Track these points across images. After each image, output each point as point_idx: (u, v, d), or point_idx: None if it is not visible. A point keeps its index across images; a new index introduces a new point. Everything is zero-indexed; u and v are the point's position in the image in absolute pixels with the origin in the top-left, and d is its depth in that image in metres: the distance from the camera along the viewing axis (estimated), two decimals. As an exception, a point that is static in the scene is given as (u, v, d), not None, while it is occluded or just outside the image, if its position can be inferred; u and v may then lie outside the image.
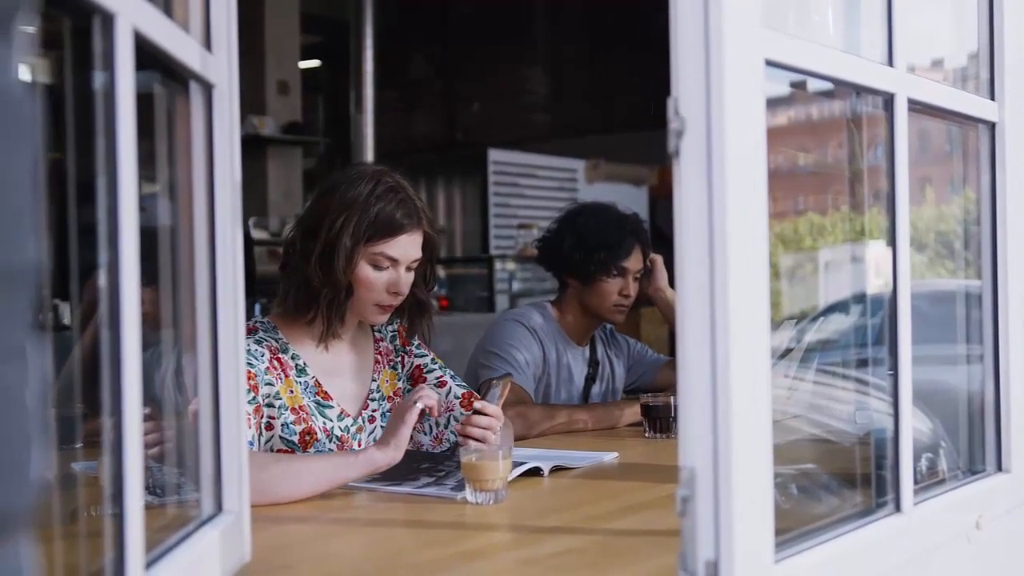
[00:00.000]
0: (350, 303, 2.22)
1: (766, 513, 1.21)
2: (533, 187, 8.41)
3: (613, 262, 2.99)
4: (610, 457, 2.35)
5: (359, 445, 2.25)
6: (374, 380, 2.35)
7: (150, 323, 1.20)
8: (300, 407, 2.18)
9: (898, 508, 1.52)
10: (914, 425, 1.58)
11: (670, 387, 2.98)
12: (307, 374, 2.22)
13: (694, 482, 1.17)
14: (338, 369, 2.29)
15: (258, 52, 7.15)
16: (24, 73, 0.58)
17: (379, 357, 2.38)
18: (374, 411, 2.32)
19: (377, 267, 2.19)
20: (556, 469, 2.18)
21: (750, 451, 1.19)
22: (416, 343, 2.44)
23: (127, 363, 1.01)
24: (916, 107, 1.57)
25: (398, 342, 2.42)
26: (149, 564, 1.09)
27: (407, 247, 2.21)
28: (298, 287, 2.20)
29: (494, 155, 8.29)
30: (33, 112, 0.57)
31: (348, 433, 2.25)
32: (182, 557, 1.19)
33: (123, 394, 1.01)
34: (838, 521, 1.45)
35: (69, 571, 1.11)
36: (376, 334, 2.40)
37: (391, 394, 2.36)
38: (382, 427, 2.30)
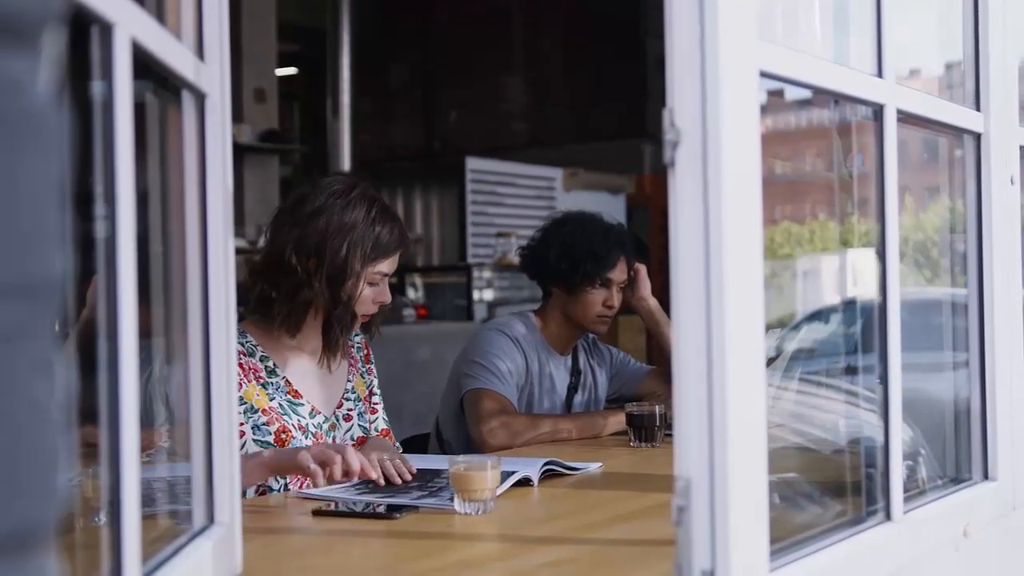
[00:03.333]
0: None
1: (761, 522, 1.22)
2: (511, 195, 8.41)
3: (598, 273, 2.99)
4: (595, 467, 2.35)
5: (334, 442, 2.32)
6: (349, 380, 2.42)
7: (139, 330, 1.19)
8: (270, 408, 2.23)
9: (888, 516, 1.52)
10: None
11: (653, 396, 2.99)
12: (277, 375, 2.27)
13: (690, 492, 1.17)
14: (312, 370, 2.34)
15: (235, 59, 7.12)
16: (50, 86, 0.57)
17: (353, 361, 2.45)
18: (349, 410, 2.40)
19: (371, 284, 2.28)
20: (547, 474, 2.18)
21: (746, 461, 1.19)
22: (372, 363, 2.53)
23: (124, 375, 1.00)
24: (903, 117, 1.58)
25: (362, 355, 2.50)
26: (144, 577, 1.08)
27: (396, 262, 2.33)
28: (302, 307, 2.25)
29: (472, 163, 8.29)
30: (60, 124, 0.57)
31: (321, 430, 2.31)
32: (176, 569, 1.18)
33: (120, 406, 1.00)
34: (831, 530, 1.45)
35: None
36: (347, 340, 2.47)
37: (364, 396, 2.45)
38: (360, 425, 2.40)
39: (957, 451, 1.90)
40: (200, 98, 1.35)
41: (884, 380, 1.54)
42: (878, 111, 1.53)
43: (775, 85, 1.41)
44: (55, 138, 0.56)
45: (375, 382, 2.52)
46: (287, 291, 2.23)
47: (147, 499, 1.44)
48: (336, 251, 2.21)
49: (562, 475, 2.24)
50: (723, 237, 1.16)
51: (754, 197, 1.21)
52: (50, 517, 0.56)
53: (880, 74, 1.52)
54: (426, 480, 2.13)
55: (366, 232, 2.24)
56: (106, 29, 1.00)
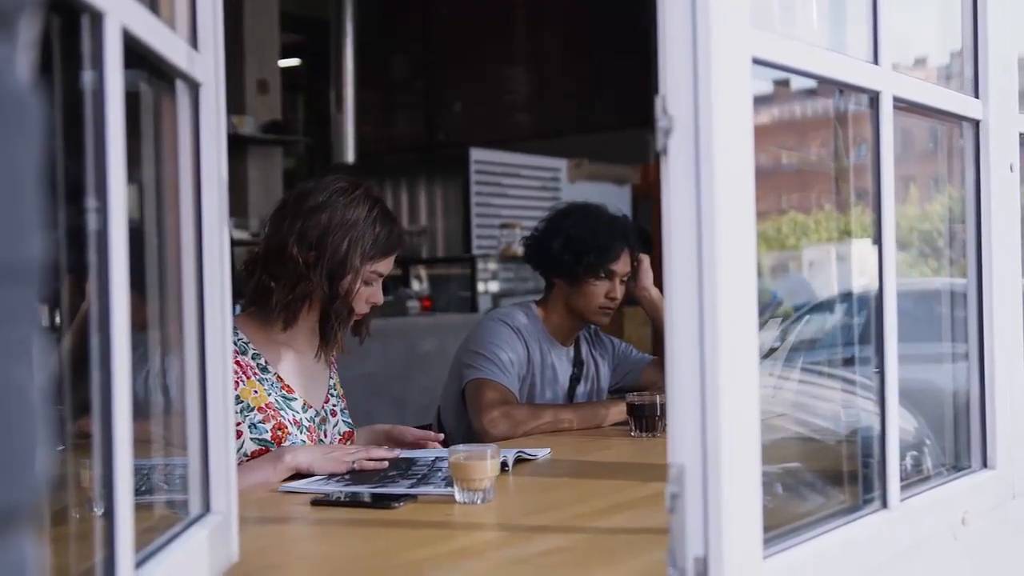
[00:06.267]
0: None
1: (755, 509, 1.22)
2: (516, 187, 8.41)
3: (601, 265, 2.99)
4: (543, 453, 2.37)
5: (324, 436, 2.37)
6: (332, 378, 2.46)
7: (134, 324, 1.20)
8: (267, 405, 2.26)
9: (885, 504, 1.52)
10: (899, 424, 1.59)
11: (655, 386, 2.99)
12: (269, 372, 2.30)
13: (683, 479, 1.17)
14: (300, 367, 2.37)
15: (238, 51, 7.13)
16: (28, 72, 0.58)
17: (332, 359, 2.48)
18: (334, 406, 2.44)
19: (367, 283, 2.32)
20: (518, 461, 2.22)
21: (739, 448, 1.19)
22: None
23: (116, 364, 1.01)
24: (901, 105, 1.58)
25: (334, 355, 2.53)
26: (139, 564, 1.09)
27: (391, 264, 2.37)
28: (300, 299, 2.27)
29: (476, 155, 8.28)
30: (37, 109, 0.57)
31: (314, 423, 2.34)
32: (171, 557, 1.19)
33: (112, 395, 1.00)
34: (826, 517, 1.45)
35: (58, 572, 1.11)
36: None
37: (342, 394, 2.49)
38: (344, 421, 2.44)
39: (956, 439, 1.90)
40: (194, 88, 1.35)
41: (880, 368, 1.53)
42: (874, 98, 1.52)
43: (782, 75, 1.41)
44: (33, 124, 0.57)
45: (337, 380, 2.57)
46: (286, 282, 2.25)
47: (149, 488, 1.45)
48: (337, 246, 2.25)
49: (562, 464, 2.25)
50: (715, 224, 1.16)
51: (747, 184, 1.21)
52: (29, 499, 0.56)
53: (876, 61, 1.52)
54: (405, 469, 2.13)
55: (367, 230, 2.27)
56: (96, 18, 1.00)
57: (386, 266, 2.34)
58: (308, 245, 2.25)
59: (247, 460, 2.18)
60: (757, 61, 1.25)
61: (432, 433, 2.50)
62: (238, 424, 2.19)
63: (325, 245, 2.25)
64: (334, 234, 2.25)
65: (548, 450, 2.41)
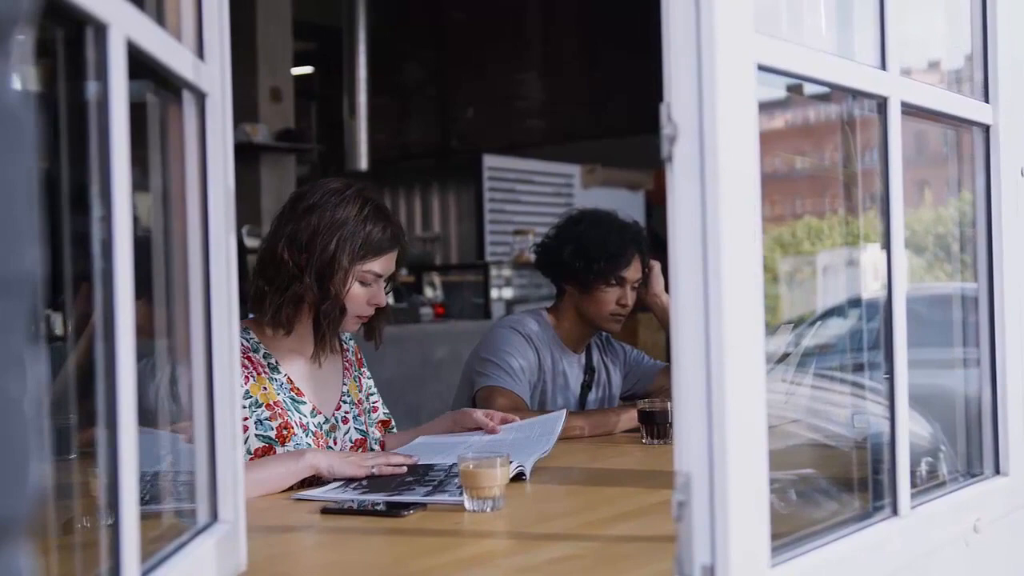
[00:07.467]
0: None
1: (762, 517, 1.21)
2: (529, 193, 8.41)
3: (612, 272, 2.98)
4: (558, 415, 2.43)
5: (334, 443, 2.36)
6: (345, 384, 2.45)
7: (143, 333, 1.20)
8: (275, 403, 2.26)
9: (895, 511, 1.51)
10: (913, 429, 1.58)
11: (666, 393, 2.98)
12: (280, 372, 2.31)
13: (690, 487, 1.17)
14: (311, 372, 2.37)
15: (250, 59, 7.13)
16: (21, 84, 0.58)
17: (347, 365, 2.48)
18: (346, 413, 2.43)
19: (363, 283, 2.31)
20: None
21: (745, 455, 1.18)
22: (364, 367, 2.57)
23: (122, 373, 1.01)
24: (909, 110, 1.57)
25: (355, 359, 2.53)
26: (145, 573, 1.09)
27: (390, 263, 2.35)
28: (292, 302, 2.27)
29: (489, 161, 8.29)
30: (31, 122, 0.57)
31: (322, 430, 2.34)
32: (178, 566, 1.19)
33: (118, 404, 1.01)
34: (835, 525, 1.45)
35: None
36: (342, 344, 2.50)
37: (357, 400, 2.47)
38: (356, 428, 2.43)
39: (969, 446, 1.89)
40: (200, 97, 1.35)
41: (890, 374, 1.53)
42: (882, 104, 1.52)
43: (794, 80, 1.41)
44: (27, 138, 0.57)
45: (370, 384, 2.55)
46: (279, 285, 2.26)
47: (156, 494, 1.45)
48: (325, 246, 2.25)
49: (572, 471, 2.24)
50: (720, 231, 1.15)
51: (752, 191, 1.21)
52: (22, 511, 0.57)
53: (883, 66, 1.51)
54: (422, 475, 2.13)
55: (356, 229, 2.27)
56: (101, 29, 1.00)
57: (381, 266, 2.32)
58: (299, 247, 2.26)
59: (251, 458, 2.18)
60: (762, 68, 1.24)
61: (491, 419, 2.50)
62: (244, 419, 2.19)
63: (315, 246, 2.25)
64: (323, 234, 2.25)
65: (563, 411, 2.46)
